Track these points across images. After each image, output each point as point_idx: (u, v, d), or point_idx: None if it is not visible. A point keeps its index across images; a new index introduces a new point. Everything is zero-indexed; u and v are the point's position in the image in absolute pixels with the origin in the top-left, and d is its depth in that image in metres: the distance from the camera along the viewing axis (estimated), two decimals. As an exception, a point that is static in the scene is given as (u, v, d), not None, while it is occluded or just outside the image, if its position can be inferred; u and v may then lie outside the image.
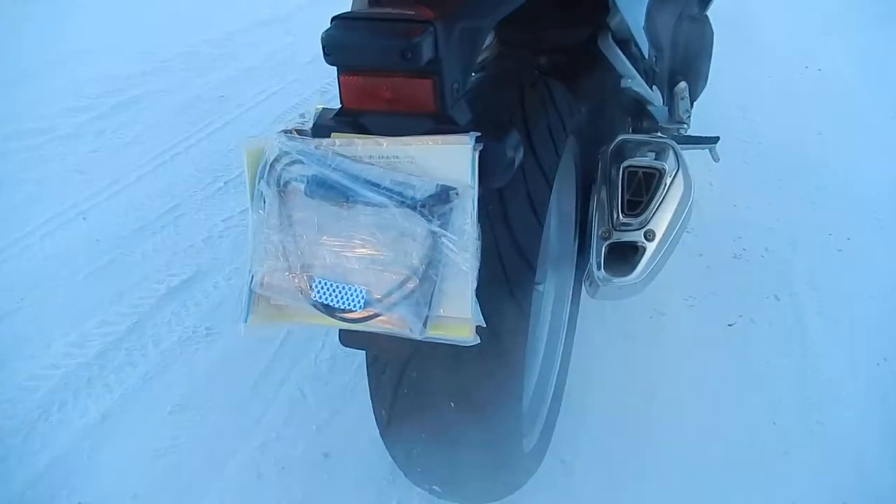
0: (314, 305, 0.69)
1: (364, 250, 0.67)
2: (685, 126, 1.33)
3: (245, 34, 3.55)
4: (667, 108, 1.20)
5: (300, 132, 0.71)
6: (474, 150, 0.66)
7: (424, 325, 0.67)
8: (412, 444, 0.97)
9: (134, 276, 1.79)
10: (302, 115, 0.74)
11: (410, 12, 0.70)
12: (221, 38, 3.48)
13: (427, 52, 0.66)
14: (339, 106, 0.74)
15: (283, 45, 3.40)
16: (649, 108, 1.25)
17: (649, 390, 1.45)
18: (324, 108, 0.74)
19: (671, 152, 1.16)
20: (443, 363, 0.88)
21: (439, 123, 0.71)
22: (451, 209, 0.65)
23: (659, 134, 1.37)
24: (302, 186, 0.67)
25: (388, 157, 0.69)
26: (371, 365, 0.95)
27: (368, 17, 0.69)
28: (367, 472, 1.27)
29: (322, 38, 0.68)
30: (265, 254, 0.69)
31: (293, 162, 0.67)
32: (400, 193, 0.66)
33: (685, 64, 1.53)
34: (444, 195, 0.65)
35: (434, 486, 1.03)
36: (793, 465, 1.30)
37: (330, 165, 0.66)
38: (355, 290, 0.68)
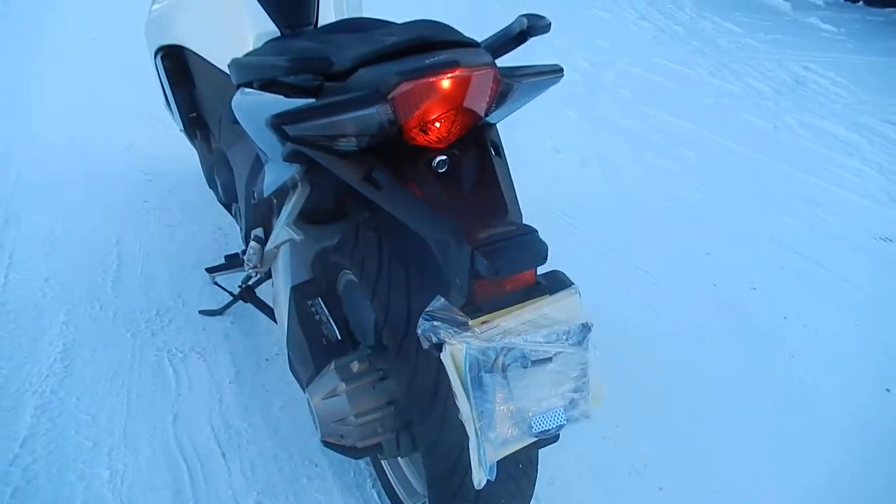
0: (536, 436, 0.99)
1: (556, 382, 1.00)
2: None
3: None
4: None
5: (459, 319, 0.97)
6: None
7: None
8: None
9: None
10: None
11: (513, 227, 1.02)
12: None
13: None
14: (463, 301, 1.02)
15: None
16: None
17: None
18: (440, 318, 1.00)
19: None
20: None
21: (536, 286, 1.06)
22: (589, 334, 1.04)
23: None
24: (515, 364, 0.96)
25: (530, 321, 1.02)
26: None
27: (506, 236, 0.98)
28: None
29: (485, 266, 0.95)
30: (498, 420, 0.96)
31: (510, 351, 0.95)
32: (562, 340, 1.01)
33: None
34: (586, 328, 1.03)
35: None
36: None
37: (529, 341, 0.97)
38: (557, 411, 1.01)
